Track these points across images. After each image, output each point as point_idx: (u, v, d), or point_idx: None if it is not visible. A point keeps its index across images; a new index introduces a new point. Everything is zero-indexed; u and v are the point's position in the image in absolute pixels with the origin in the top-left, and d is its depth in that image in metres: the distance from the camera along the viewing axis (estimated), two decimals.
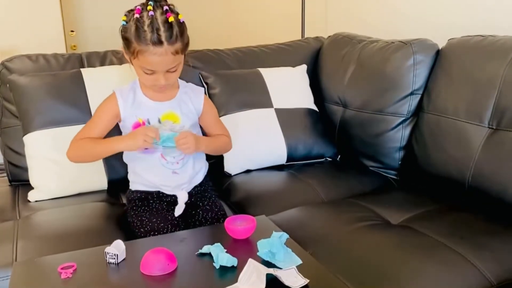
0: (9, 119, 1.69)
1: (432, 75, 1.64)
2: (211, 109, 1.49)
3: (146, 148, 1.30)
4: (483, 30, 1.58)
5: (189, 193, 1.41)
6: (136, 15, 1.21)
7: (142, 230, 1.30)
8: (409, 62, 1.67)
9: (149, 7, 1.21)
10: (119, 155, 1.45)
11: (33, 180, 1.58)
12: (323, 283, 0.97)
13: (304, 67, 2.00)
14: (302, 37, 2.68)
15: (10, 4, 3.21)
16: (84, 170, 1.57)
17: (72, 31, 3.87)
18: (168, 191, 1.40)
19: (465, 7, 1.85)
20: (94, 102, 1.62)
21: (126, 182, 1.46)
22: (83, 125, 1.59)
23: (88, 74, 1.67)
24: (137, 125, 1.34)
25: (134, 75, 1.43)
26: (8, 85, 1.63)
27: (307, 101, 1.92)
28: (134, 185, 1.42)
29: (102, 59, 1.82)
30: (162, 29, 1.19)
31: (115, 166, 1.61)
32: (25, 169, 1.62)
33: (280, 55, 2.05)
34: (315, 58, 2.07)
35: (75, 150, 1.37)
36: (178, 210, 1.37)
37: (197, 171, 1.45)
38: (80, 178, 1.58)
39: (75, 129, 1.58)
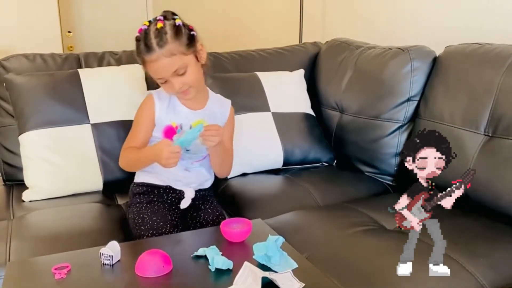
0: (5, 118, 1.68)
1: (429, 82, 1.65)
2: (230, 123, 1.50)
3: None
4: (480, 38, 1.59)
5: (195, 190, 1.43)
6: (137, 35, 1.28)
7: (142, 228, 1.30)
8: (406, 68, 1.67)
9: (145, 23, 1.27)
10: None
11: (28, 180, 1.57)
12: (319, 287, 0.97)
13: (301, 71, 2.01)
14: (300, 42, 2.69)
15: (7, 4, 3.20)
16: (80, 170, 1.56)
17: (69, 32, 3.86)
18: (177, 186, 1.41)
19: (462, 15, 1.87)
20: (91, 103, 1.62)
21: (122, 183, 1.45)
22: (79, 125, 1.60)
23: (86, 74, 1.67)
24: (169, 129, 1.36)
25: (131, 76, 1.43)
26: (4, 84, 1.62)
27: (304, 105, 1.92)
28: (141, 177, 1.43)
29: (100, 60, 1.81)
30: (152, 36, 1.24)
31: (111, 167, 1.59)
32: (20, 169, 1.62)
33: (278, 59, 2.05)
34: (313, 63, 2.08)
35: (122, 161, 1.41)
36: (185, 203, 1.40)
37: (207, 178, 1.48)
38: (76, 179, 1.57)
39: (71, 130, 1.59)
